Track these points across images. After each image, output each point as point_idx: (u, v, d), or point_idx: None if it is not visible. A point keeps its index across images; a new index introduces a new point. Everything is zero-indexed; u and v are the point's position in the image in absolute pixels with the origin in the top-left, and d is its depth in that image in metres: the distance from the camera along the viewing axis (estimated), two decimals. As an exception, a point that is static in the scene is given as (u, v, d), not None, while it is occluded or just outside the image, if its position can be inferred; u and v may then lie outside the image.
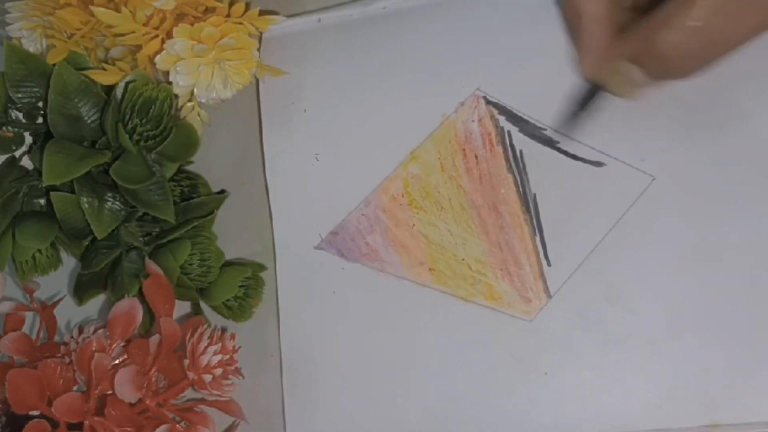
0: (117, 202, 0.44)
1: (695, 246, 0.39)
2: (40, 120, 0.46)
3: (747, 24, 0.34)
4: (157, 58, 0.43)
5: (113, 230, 0.44)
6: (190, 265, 0.45)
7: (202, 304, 0.47)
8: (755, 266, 0.38)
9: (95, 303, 0.48)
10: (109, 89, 0.44)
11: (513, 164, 0.42)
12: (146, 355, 0.41)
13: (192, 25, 0.42)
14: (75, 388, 0.42)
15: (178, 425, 0.41)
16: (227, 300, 0.45)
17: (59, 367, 0.41)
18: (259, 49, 0.46)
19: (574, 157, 0.41)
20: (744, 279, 0.38)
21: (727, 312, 0.38)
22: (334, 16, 0.47)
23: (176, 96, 0.44)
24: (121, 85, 0.43)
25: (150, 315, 0.44)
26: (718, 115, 0.39)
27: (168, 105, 0.43)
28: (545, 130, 0.42)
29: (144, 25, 0.43)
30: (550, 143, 0.42)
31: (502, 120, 0.43)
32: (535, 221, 0.41)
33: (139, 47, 0.44)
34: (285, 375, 0.44)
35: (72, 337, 0.44)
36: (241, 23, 0.44)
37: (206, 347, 0.41)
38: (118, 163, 0.43)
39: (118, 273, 0.45)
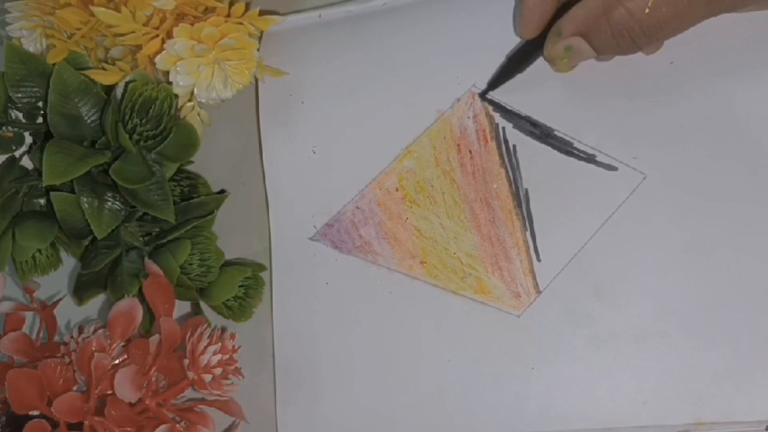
0: (117, 202, 0.44)
1: (685, 244, 0.39)
2: (40, 120, 0.46)
3: (698, 6, 0.34)
4: (157, 58, 0.43)
5: (113, 230, 0.44)
6: (190, 265, 0.45)
7: (202, 304, 0.47)
8: (744, 265, 0.38)
9: (95, 303, 0.48)
10: (109, 89, 0.44)
11: (506, 160, 0.42)
12: (146, 355, 0.41)
13: (192, 25, 0.42)
14: (75, 388, 0.41)
15: (178, 425, 0.41)
16: (227, 300, 0.46)
17: (59, 367, 0.41)
18: (259, 44, 0.47)
19: (567, 153, 0.41)
20: (733, 278, 0.38)
21: (715, 310, 0.38)
22: (334, 11, 0.47)
23: (176, 96, 0.44)
24: (121, 85, 0.43)
25: (150, 315, 0.44)
26: (710, 114, 0.39)
27: (168, 105, 0.43)
28: (539, 126, 0.42)
29: (144, 25, 0.43)
30: (543, 139, 0.42)
31: (497, 116, 0.43)
32: (526, 216, 0.42)
33: (139, 47, 0.44)
34: (277, 362, 0.45)
35: (72, 337, 0.44)
36: (241, 23, 0.44)
37: (206, 347, 0.41)
38: (118, 163, 0.43)
39: (118, 273, 0.45)
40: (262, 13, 0.45)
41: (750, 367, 0.37)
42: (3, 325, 0.47)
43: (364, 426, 0.42)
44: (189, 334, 0.42)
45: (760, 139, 0.39)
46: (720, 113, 0.39)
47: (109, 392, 0.40)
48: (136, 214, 0.45)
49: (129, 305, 0.42)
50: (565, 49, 0.38)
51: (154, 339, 0.42)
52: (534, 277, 0.41)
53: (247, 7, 0.44)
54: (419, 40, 0.45)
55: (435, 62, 0.44)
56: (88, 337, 0.43)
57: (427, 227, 0.43)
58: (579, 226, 0.40)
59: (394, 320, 0.43)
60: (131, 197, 0.43)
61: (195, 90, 0.44)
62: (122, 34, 0.43)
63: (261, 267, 0.47)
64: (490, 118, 0.43)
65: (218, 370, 0.41)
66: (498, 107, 0.43)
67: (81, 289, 0.47)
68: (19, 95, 0.45)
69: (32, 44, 0.46)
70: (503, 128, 0.43)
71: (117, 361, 0.42)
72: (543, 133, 0.42)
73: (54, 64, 0.43)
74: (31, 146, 0.48)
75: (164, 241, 0.45)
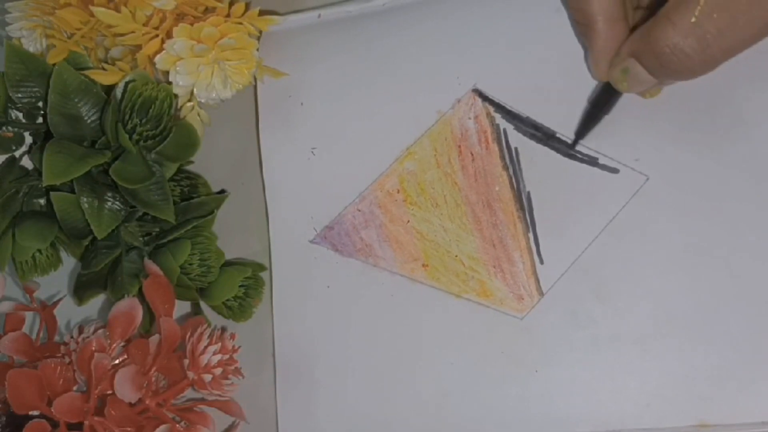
0: (117, 202, 0.44)
1: (687, 246, 0.39)
2: (40, 120, 0.46)
3: (749, 26, 0.33)
4: (157, 58, 0.43)
5: (113, 230, 0.44)
6: (190, 265, 0.45)
7: (202, 304, 0.47)
8: (747, 267, 0.38)
9: (95, 303, 0.48)
10: (109, 89, 0.44)
11: (508, 162, 0.42)
12: (146, 355, 0.41)
13: (192, 25, 0.42)
14: (75, 388, 0.42)
15: (178, 425, 0.41)
16: (227, 300, 0.45)
17: (59, 367, 0.41)
18: (258, 45, 0.46)
19: (569, 155, 0.41)
20: (735, 279, 0.38)
21: (717, 312, 0.38)
22: (333, 11, 0.47)
23: (176, 96, 0.44)
24: (121, 85, 0.43)
25: (150, 315, 0.44)
26: (713, 116, 0.39)
27: (168, 105, 0.43)
28: (541, 128, 0.42)
29: (144, 25, 0.43)
30: (545, 142, 0.42)
31: (498, 117, 0.43)
32: (528, 219, 0.42)
33: (139, 47, 0.44)
34: (278, 365, 0.45)
35: (72, 337, 0.44)
36: (241, 23, 0.44)
37: (206, 347, 0.41)
38: (118, 163, 0.43)
39: (118, 273, 0.45)
40: (261, 13, 0.45)
41: (753, 368, 0.37)
42: (3, 325, 0.47)
43: (366, 429, 0.42)
44: (189, 334, 0.42)
45: (762, 140, 0.38)
46: (722, 114, 0.39)
47: (109, 392, 0.40)
48: (136, 214, 0.45)
49: (129, 305, 0.42)
50: (622, 72, 0.37)
51: (154, 339, 0.42)
52: (537, 280, 0.41)
53: (247, 7, 0.44)
54: (419, 40, 0.45)
55: (435, 62, 0.44)
56: (88, 337, 0.43)
57: (428, 230, 0.43)
58: (581, 228, 0.40)
59: (396, 323, 0.43)
60: (131, 197, 0.43)
61: (195, 90, 0.44)
62: (122, 34, 0.43)
63: (261, 267, 0.46)
64: (492, 119, 0.43)
65: (218, 370, 0.41)
66: (499, 108, 0.43)
67: (81, 289, 0.47)
68: (19, 95, 0.45)
69: (32, 44, 0.46)
70: (504, 130, 0.43)
71: (117, 361, 0.42)
72: (545, 136, 0.42)
73: (54, 64, 0.43)
74: (31, 146, 0.48)
75: (164, 241, 0.45)
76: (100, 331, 0.43)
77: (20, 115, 0.46)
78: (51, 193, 0.44)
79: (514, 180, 0.42)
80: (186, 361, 0.41)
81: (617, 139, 0.40)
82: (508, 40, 0.43)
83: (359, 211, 0.44)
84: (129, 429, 0.40)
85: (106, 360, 0.41)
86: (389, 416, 0.42)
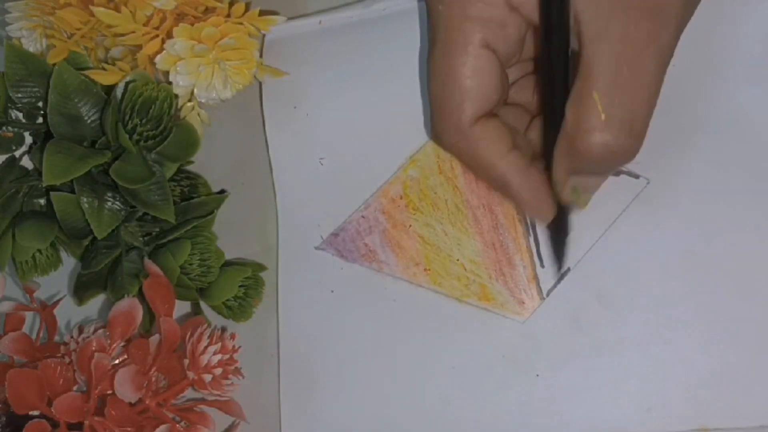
0: (117, 202, 0.44)
1: (688, 250, 0.38)
2: (40, 120, 0.46)
3: (646, 79, 0.33)
4: (157, 58, 0.43)
5: (113, 230, 0.44)
6: (190, 265, 0.45)
7: (202, 304, 0.47)
8: (748, 271, 0.37)
9: (95, 303, 0.48)
10: (109, 89, 0.44)
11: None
12: (146, 355, 0.41)
13: (192, 25, 0.42)
14: (75, 388, 0.42)
15: (178, 425, 0.41)
16: (227, 300, 0.45)
17: (59, 367, 0.41)
18: (261, 53, 0.46)
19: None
20: (737, 283, 0.38)
21: (718, 316, 0.37)
22: (334, 18, 0.47)
23: (176, 96, 0.44)
24: (121, 85, 0.43)
25: (150, 315, 0.44)
26: (714, 119, 0.39)
27: (168, 105, 0.43)
28: None
29: (144, 25, 0.43)
30: None
31: None
32: (529, 222, 0.42)
33: (139, 47, 0.44)
34: (282, 370, 0.44)
35: (72, 337, 0.44)
36: (241, 23, 0.44)
37: (206, 347, 0.41)
38: (118, 163, 0.43)
39: (118, 273, 0.45)
40: (262, 13, 0.45)
41: (754, 372, 0.37)
42: (3, 325, 0.47)
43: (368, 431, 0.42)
44: (189, 334, 0.42)
45: (764, 143, 0.38)
46: (723, 117, 0.39)
47: (109, 392, 0.40)
48: (136, 214, 0.45)
49: (129, 305, 0.42)
50: (573, 192, 0.37)
51: (154, 339, 0.42)
52: (537, 284, 0.41)
53: (247, 7, 0.44)
54: (421, 46, 0.45)
55: None
56: (88, 337, 0.43)
57: (430, 234, 0.43)
58: (582, 231, 0.40)
59: (398, 327, 0.43)
60: (131, 197, 0.43)
61: (195, 90, 0.44)
62: (122, 34, 0.43)
63: (261, 267, 0.47)
64: None
65: (218, 370, 0.41)
66: None
67: (81, 289, 0.47)
68: (19, 95, 0.45)
69: (32, 44, 0.45)
70: None
71: (117, 361, 0.42)
72: None
73: (54, 64, 0.43)
74: (31, 146, 0.48)
75: (164, 241, 0.45)
76: (100, 331, 0.43)
77: (20, 115, 0.46)
78: (51, 193, 0.44)
79: (514, 183, 0.42)
80: (186, 361, 0.41)
81: None
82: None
83: (363, 218, 0.44)
84: (129, 429, 0.40)
85: (106, 360, 0.41)
86: (391, 420, 0.42)
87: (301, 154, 0.46)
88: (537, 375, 0.40)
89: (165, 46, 0.43)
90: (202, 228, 0.46)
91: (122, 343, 0.42)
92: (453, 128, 0.36)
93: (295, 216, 0.46)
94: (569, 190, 0.36)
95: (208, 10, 0.45)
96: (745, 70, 0.39)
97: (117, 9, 0.42)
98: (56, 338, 0.47)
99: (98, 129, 0.44)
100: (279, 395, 0.44)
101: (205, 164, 0.48)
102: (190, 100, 0.45)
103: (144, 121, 0.43)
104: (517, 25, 0.35)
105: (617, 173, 0.40)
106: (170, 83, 0.43)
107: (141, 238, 0.45)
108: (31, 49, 0.45)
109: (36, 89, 0.45)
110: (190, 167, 0.48)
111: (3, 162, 0.47)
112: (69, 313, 0.49)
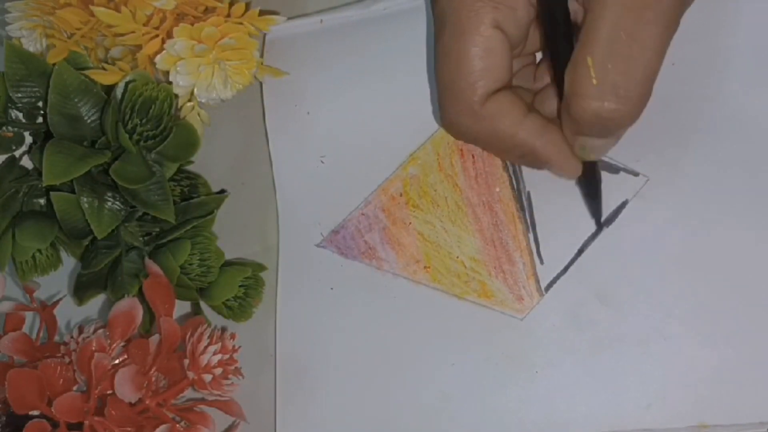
0: (117, 202, 0.44)
1: (688, 247, 0.39)
2: (40, 120, 0.46)
3: (645, 51, 0.32)
4: (157, 58, 0.43)
5: (113, 230, 0.44)
6: (190, 265, 0.45)
7: (202, 304, 0.47)
8: (747, 268, 0.38)
9: (95, 303, 0.48)
10: (109, 89, 0.44)
11: (509, 163, 0.42)
12: (146, 355, 0.41)
13: (192, 25, 0.42)
14: (75, 388, 0.41)
15: (178, 425, 0.41)
16: (227, 300, 0.45)
17: (59, 367, 0.41)
18: (262, 53, 0.46)
19: (570, 157, 0.41)
20: (736, 280, 0.38)
21: (718, 313, 0.38)
22: (335, 17, 0.47)
23: (176, 96, 0.44)
24: (121, 85, 0.43)
25: (150, 315, 0.44)
26: (714, 117, 0.39)
27: (168, 105, 0.43)
28: None
29: (144, 25, 0.43)
30: None
31: None
32: (528, 219, 0.42)
33: (139, 47, 0.44)
34: (279, 366, 0.44)
35: (72, 337, 0.44)
36: (241, 23, 0.44)
37: (206, 347, 0.41)
38: (118, 163, 0.43)
39: (118, 273, 0.45)
40: (262, 13, 0.45)
41: (753, 369, 0.37)
42: (3, 325, 0.47)
43: (366, 430, 0.42)
44: (189, 334, 0.42)
45: (763, 141, 0.38)
46: (723, 115, 0.39)
47: (109, 392, 0.40)
48: (136, 214, 0.45)
49: (129, 305, 0.42)
50: (581, 151, 0.37)
51: (154, 339, 0.42)
52: (537, 280, 0.41)
53: (247, 7, 0.44)
54: (422, 45, 0.45)
55: None
56: (88, 337, 0.43)
57: (430, 231, 0.43)
58: (581, 228, 0.40)
59: (398, 324, 0.43)
60: (131, 197, 0.43)
61: (195, 90, 0.44)
62: (122, 34, 0.43)
63: (261, 267, 0.47)
64: None
65: (218, 370, 0.41)
66: None
67: (81, 289, 0.47)
68: (19, 95, 0.45)
69: (32, 44, 0.46)
70: None
71: (117, 361, 0.42)
72: None
73: (54, 64, 0.43)
74: (31, 146, 0.48)
75: (164, 241, 0.45)
76: (100, 331, 0.43)
77: (20, 115, 0.46)
78: (51, 193, 0.44)
79: (514, 180, 0.42)
80: (186, 361, 0.41)
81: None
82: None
83: (364, 215, 0.44)
84: (129, 429, 0.40)
85: (106, 360, 0.41)
86: (390, 417, 0.42)
87: (301, 152, 0.47)
88: (536, 372, 0.40)
89: (165, 46, 0.43)
90: (202, 228, 0.46)
91: (122, 343, 0.42)
92: (466, 110, 0.36)
93: (296, 213, 0.46)
94: (579, 150, 0.37)
95: (208, 10, 0.45)
96: (745, 70, 0.39)
97: (117, 9, 0.42)
98: (56, 338, 0.47)
99: (98, 129, 0.44)
100: (275, 391, 0.44)
101: (205, 164, 0.48)
102: (190, 100, 0.45)
103: (144, 121, 0.43)
104: (526, 9, 0.36)
105: (616, 170, 0.40)
106: (170, 83, 0.43)
107: (141, 238, 0.45)
108: (31, 49, 0.45)
109: (36, 89, 0.45)
110: (190, 167, 0.48)
111: (3, 162, 0.47)
112: (69, 313, 0.49)
